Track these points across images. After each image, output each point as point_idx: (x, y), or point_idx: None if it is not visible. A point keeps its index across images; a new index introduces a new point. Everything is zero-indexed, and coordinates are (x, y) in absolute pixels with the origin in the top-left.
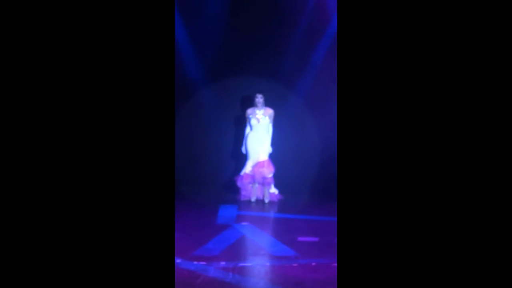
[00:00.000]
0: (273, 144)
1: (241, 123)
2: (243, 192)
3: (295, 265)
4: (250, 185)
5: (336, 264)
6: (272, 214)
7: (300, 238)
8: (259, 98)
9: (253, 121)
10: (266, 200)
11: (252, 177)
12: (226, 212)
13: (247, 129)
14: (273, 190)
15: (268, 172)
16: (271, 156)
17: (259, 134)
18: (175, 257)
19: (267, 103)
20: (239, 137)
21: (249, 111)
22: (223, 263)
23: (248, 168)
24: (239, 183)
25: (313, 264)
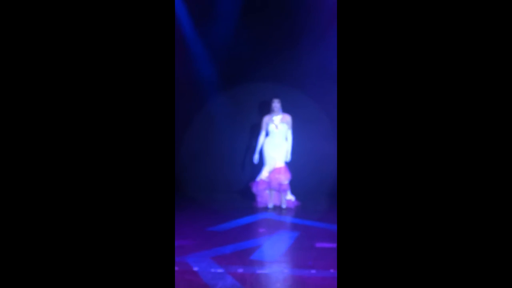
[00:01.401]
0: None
1: (257, 128)
2: (259, 199)
3: (313, 271)
4: (267, 191)
5: None
6: (289, 220)
7: (318, 245)
8: (276, 103)
9: (271, 127)
10: (283, 207)
11: (268, 183)
12: (249, 219)
13: (261, 137)
14: (290, 197)
15: (285, 178)
16: (287, 162)
17: (276, 140)
18: (192, 265)
19: (283, 109)
20: (255, 144)
21: (266, 118)
22: (240, 270)
23: (264, 174)
24: (254, 189)
25: (332, 271)
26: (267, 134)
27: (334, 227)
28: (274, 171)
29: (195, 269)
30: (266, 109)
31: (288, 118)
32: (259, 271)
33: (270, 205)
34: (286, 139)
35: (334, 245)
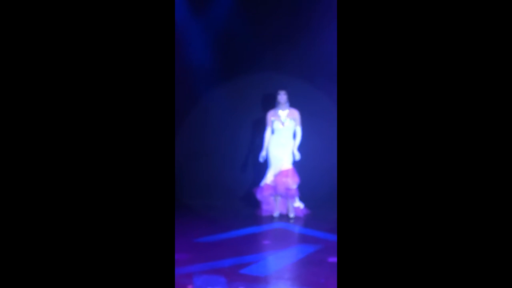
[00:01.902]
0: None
1: (260, 124)
2: (264, 207)
3: None
4: (272, 198)
5: None
6: (297, 230)
7: (331, 259)
8: (282, 95)
9: (276, 124)
10: (291, 215)
11: (274, 188)
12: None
13: (267, 133)
14: (298, 204)
15: (293, 182)
16: (295, 164)
17: (283, 139)
18: (187, 282)
19: (290, 103)
20: (259, 142)
21: (271, 113)
22: None
23: (269, 178)
24: (258, 196)
25: None
26: (272, 132)
27: None
28: (280, 174)
29: (190, 287)
30: (270, 103)
31: (296, 113)
32: None
33: (276, 214)
34: (294, 137)
35: None
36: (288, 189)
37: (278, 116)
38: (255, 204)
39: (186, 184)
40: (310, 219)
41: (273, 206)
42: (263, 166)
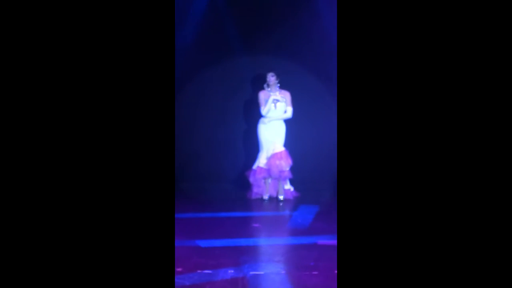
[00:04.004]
0: (288, 135)
1: (251, 107)
2: (254, 189)
3: (315, 273)
4: (263, 180)
5: None
6: (287, 213)
7: (320, 242)
8: (270, 77)
9: (268, 108)
10: (281, 197)
11: (267, 171)
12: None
13: (265, 109)
14: (288, 186)
15: (286, 165)
16: (287, 146)
17: (275, 121)
18: (175, 266)
19: (282, 86)
20: (250, 125)
21: (263, 93)
22: (231, 271)
23: (262, 161)
24: (251, 179)
25: (336, 272)
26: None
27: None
28: (273, 157)
29: (179, 269)
30: (260, 85)
31: (287, 95)
32: (252, 272)
33: (266, 196)
34: (285, 119)
35: None
36: (281, 171)
37: (270, 98)
38: (245, 187)
39: (178, 169)
40: (299, 202)
41: (263, 188)
42: (255, 150)
